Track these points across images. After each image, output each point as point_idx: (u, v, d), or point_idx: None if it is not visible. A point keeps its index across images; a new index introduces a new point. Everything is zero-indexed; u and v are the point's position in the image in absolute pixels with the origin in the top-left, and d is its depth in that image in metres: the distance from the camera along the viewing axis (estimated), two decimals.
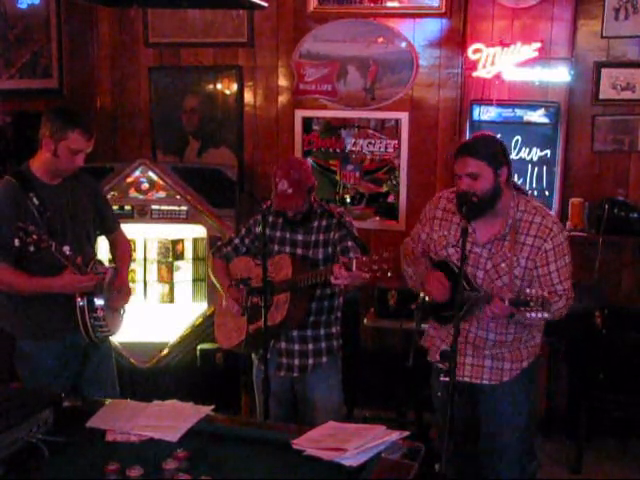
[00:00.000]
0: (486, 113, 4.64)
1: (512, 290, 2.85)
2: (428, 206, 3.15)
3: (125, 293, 3.44)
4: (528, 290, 2.71)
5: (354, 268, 2.80)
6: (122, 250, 3.57)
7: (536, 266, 2.88)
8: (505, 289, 2.84)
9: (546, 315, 2.68)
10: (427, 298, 3.03)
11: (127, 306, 3.48)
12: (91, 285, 3.13)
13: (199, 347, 4.55)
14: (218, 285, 3.49)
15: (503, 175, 2.89)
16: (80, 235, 3.27)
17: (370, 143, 4.98)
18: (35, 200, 3.08)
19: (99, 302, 3.21)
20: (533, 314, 2.66)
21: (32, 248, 2.95)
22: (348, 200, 5.06)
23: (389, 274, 2.79)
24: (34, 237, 2.92)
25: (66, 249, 3.07)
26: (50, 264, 3.08)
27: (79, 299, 3.16)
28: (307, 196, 3.26)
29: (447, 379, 2.60)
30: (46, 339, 3.20)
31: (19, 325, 3.22)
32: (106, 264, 3.45)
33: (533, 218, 2.90)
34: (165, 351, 4.52)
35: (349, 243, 3.18)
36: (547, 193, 4.61)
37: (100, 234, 3.50)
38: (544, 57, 4.49)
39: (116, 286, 3.35)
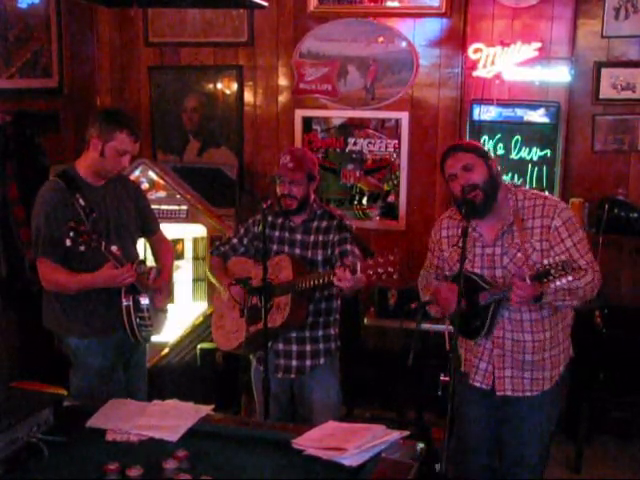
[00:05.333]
0: (486, 113, 4.64)
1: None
2: (432, 232, 3.14)
3: (167, 293, 3.47)
4: (545, 261, 2.65)
5: (359, 270, 2.79)
6: (164, 251, 3.59)
7: (551, 246, 2.81)
8: (524, 268, 2.78)
9: (570, 279, 2.58)
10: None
11: (170, 306, 3.51)
12: (132, 276, 3.12)
13: (199, 347, 4.55)
14: (217, 283, 3.49)
15: (494, 166, 2.90)
16: (124, 236, 3.30)
17: (370, 143, 4.98)
18: (81, 201, 3.12)
19: (144, 302, 3.23)
20: (558, 282, 2.58)
21: (82, 247, 2.99)
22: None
23: (395, 276, 2.74)
24: (85, 237, 2.96)
25: (114, 248, 3.10)
26: (96, 263, 3.10)
27: (125, 299, 3.18)
28: (306, 181, 3.25)
29: (447, 379, 2.58)
30: (92, 337, 3.23)
31: (66, 324, 3.25)
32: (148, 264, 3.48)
33: (535, 202, 2.88)
34: (165, 351, 4.52)
35: (348, 246, 3.18)
36: (547, 193, 4.60)
37: (141, 235, 3.53)
38: (544, 57, 4.50)
39: (158, 286, 3.36)
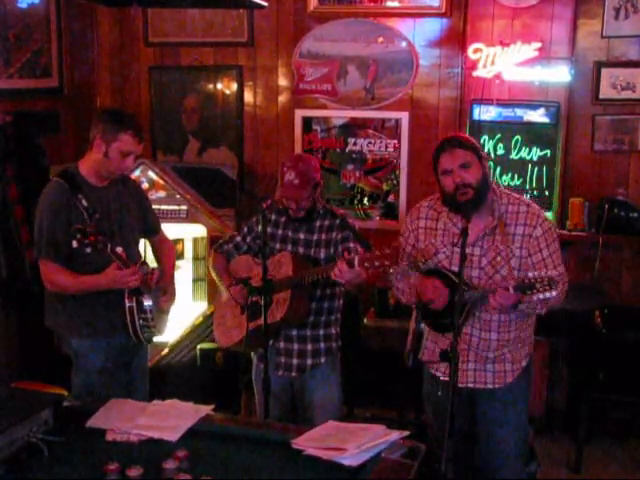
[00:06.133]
0: (486, 113, 4.64)
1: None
2: (409, 218, 3.12)
3: (171, 294, 3.46)
4: (530, 274, 2.70)
5: (356, 264, 2.80)
6: (167, 251, 3.57)
7: (529, 254, 2.87)
8: (508, 278, 2.81)
9: (554, 294, 2.64)
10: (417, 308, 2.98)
11: (173, 306, 3.50)
12: (137, 279, 3.11)
13: (199, 347, 4.55)
14: (218, 281, 3.49)
15: (486, 166, 2.91)
16: (127, 237, 3.29)
17: (370, 143, 4.98)
18: (84, 202, 3.11)
19: (147, 303, 3.22)
20: (541, 295, 2.63)
21: (89, 249, 3.00)
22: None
23: (391, 270, 2.79)
24: (92, 238, 2.96)
25: (119, 250, 3.09)
26: (99, 265, 3.10)
27: (128, 300, 3.17)
28: (312, 191, 3.26)
29: (447, 379, 2.59)
30: (94, 337, 3.22)
31: (68, 324, 3.24)
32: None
33: (518, 208, 2.91)
34: (165, 351, 4.52)
35: (351, 244, 3.18)
36: (547, 193, 4.61)
37: (143, 236, 3.52)
38: (544, 57, 4.50)
39: (162, 287, 3.36)
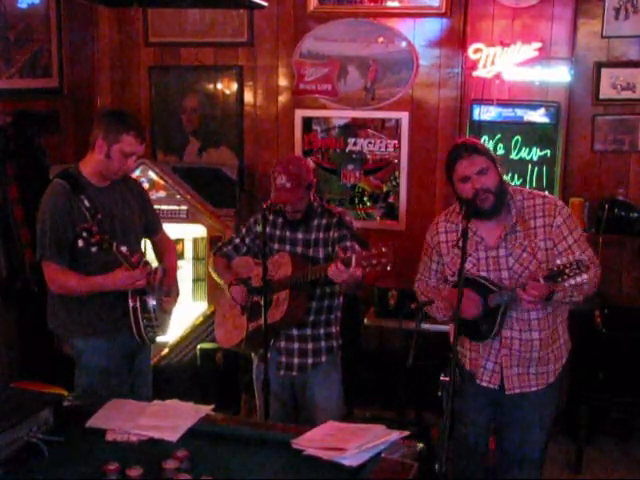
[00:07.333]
0: (486, 113, 4.64)
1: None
2: (428, 236, 3.10)
3: (175, 294, 3.46)
4: (558, 261, 2.69)
5: (353, 263, 2.80)
6: (168, 251, 3.57)
7: (555, 244, 2.86)
8: (537, 271, 2.79)
9: (585, 277, 2.61)
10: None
11: (176, 306, 3.49)
12: (143, 280, 3.11)
13: (199, 347, 4.55)
14: (220, 282, 3.49)
15: (500, 170, 2.91)
16: (129, 236, 3.29)
17: (370, 143, 4.98)
18: (86, 202, 3.10)
19: (152, 303, 3.22)
20: (572, 280, 2.62)
21: (94, 248, 2.99)
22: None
23: (388, 268, 2.77)
24: (98, 237, 2.96)
25: (124, 249, 3.09)
26: (103, 264, 3.10)
27: (131, 301, 3.16)
28: (306, 193, 3.25)
29: (447, 379, 2.57)
30: (96, 338, 3.21)
31: (71, 325, 3.24)
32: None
33: (534, 201, 2.92)
34: (165, 351, 4.52)
35: (348, 243, 3.18)
36: (547, 193, 4.61)
37: (144, 235, 3.51)
38: (544, 57, 4.50)
39: (166, 286, 3.36)
